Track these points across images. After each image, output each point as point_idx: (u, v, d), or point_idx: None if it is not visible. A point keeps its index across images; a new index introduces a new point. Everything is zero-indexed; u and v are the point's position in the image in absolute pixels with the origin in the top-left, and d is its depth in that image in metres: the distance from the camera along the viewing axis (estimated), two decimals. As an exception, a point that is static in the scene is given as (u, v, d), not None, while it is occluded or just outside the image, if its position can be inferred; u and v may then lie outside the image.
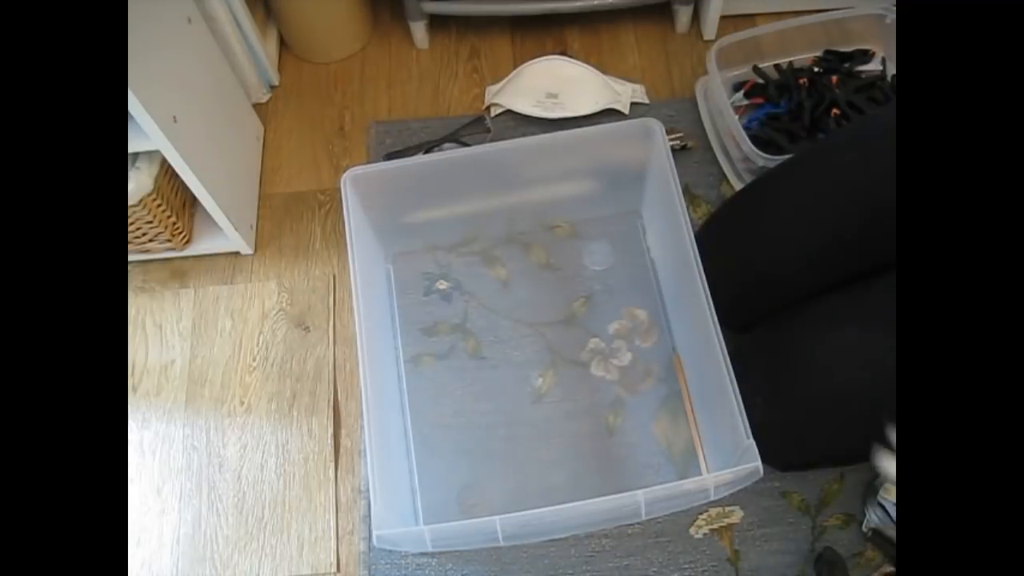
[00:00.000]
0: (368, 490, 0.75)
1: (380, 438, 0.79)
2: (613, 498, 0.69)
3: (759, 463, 0.70)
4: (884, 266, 0.73)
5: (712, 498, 0.72)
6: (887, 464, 0.84)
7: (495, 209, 1.04)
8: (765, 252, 0.85)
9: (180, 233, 1.06)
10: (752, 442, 0.71)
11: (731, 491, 0.75)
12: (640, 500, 0.69)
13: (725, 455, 0.78)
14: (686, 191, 1.12)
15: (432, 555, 0.91)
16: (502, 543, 0.71)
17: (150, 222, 1.00)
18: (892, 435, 0.82)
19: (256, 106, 1.23)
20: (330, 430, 1.00)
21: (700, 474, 0.91)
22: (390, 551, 0.91)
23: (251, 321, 1.08)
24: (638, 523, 0.91)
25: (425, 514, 0.93)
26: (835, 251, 0.80)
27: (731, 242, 0.90)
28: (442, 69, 1.28)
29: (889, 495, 0.86)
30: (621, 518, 0.84)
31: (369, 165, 0.90)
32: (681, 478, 0.91)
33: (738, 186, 1.11)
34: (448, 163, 0.92)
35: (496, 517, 0.69)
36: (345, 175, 0.88)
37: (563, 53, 1.24)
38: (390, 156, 1.16)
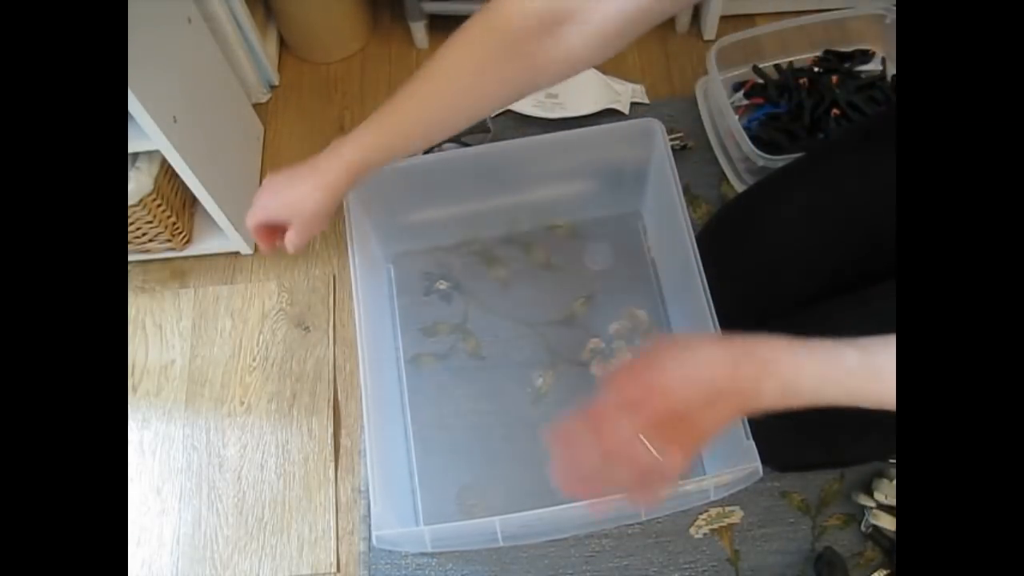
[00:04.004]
0: (368, 490, 0.75)
1: (380, 438, 0.79)
2: (613, 499, 0.69)
3: (759, 463, 0.70)
4: (885, 272, 0.73)
5: (712, 498, 0.72)
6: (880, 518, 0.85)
7: (495, 209, 1.04)
8: (765, 257, 0.85)
9: (180, 233, 1.06)
10: (752, 443, 0.71)
11: (731, 491, 0.75)
12: None
13: (725, 455, 0.78)
14: (686, 191, 1.12)
15: (432, 555, 0.91)
16: (501, 543, 0.71)
17: (150, 222, 1.00)
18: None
19: (256, 106, 1.23)
20: (330, 430, 1.00)
21: (700, 474, 0.91)
22: (390, 551, 0.91)
23: (251, 321, 1.08)
24: (638, 523, 0.91)
25: (425, 514, 0.92)
26: (834, 257, 0.80)
27: (732, 246, 0.90)
28: (442, 69, 1.28)
29: (878, 520, 0.86)
30: (621, 518, 0.84)
31: None
32: (681, 478, 0.91)
33: (738, 186, 1.11)
34: (448, 163, 0.92)
35: (496, 518, 0.69)
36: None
37: (563, 53, 1.23)
38: (390, 156, 1.16)
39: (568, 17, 0.58)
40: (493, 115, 1.20)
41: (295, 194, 0.66)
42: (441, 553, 0.91)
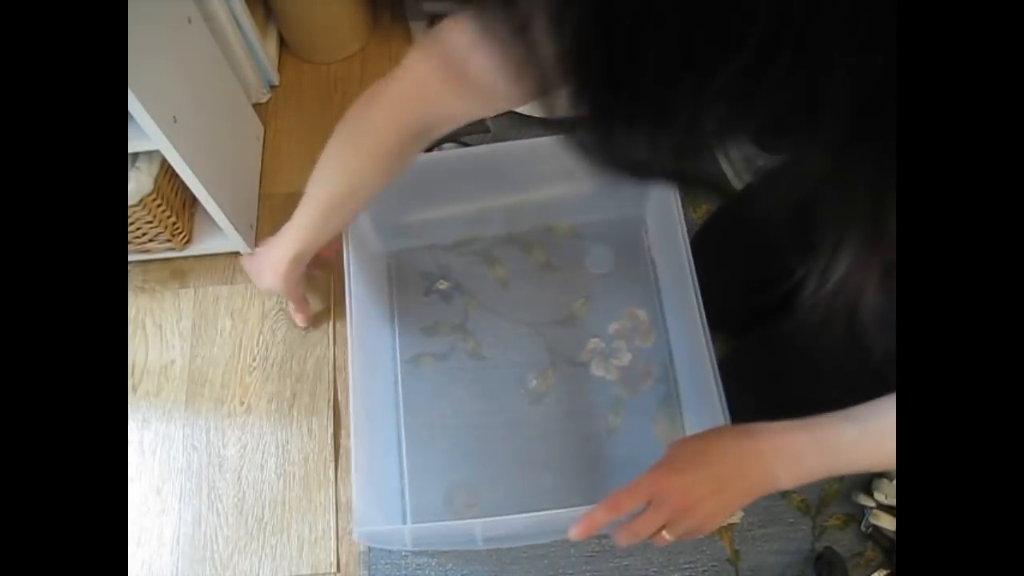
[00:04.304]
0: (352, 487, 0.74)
1: (366, 434, 0.79)
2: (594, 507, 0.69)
3: None
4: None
5: None
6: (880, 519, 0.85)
7: (495, 209, 1.04)
8: (762, 255, 0.85)
9: (180, 233, 1.06)
10: None
11: None
12: None
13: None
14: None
15: (432, 555, 0.91)
16: (482, 546, 0.71)
17: (150, 222, 1.00)
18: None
19: (256, 106, 1.23)
20: (330, 430, 1.00)
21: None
22: (391, 551, 0.91)
23: (251, 321, 1.08)
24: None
25: (413, 513, 0.92)
26: None
27: (728, 245, 0.90)
28: (442, 69, 1.28)
29: (878, 520, 0.86)
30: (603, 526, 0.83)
31: None
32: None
33: (738, 186, 1.11)
34: (448, 163, 0.92)
35: (476, 520, 0.69)
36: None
37: (563, 53, 1.23)
38: (390, 156, 1.16)
39: (439, 124, 0.66)
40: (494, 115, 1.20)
41: (265, 284, 0.82)
42: (441, 553, 0.91)
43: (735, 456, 0.58)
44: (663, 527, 0.59)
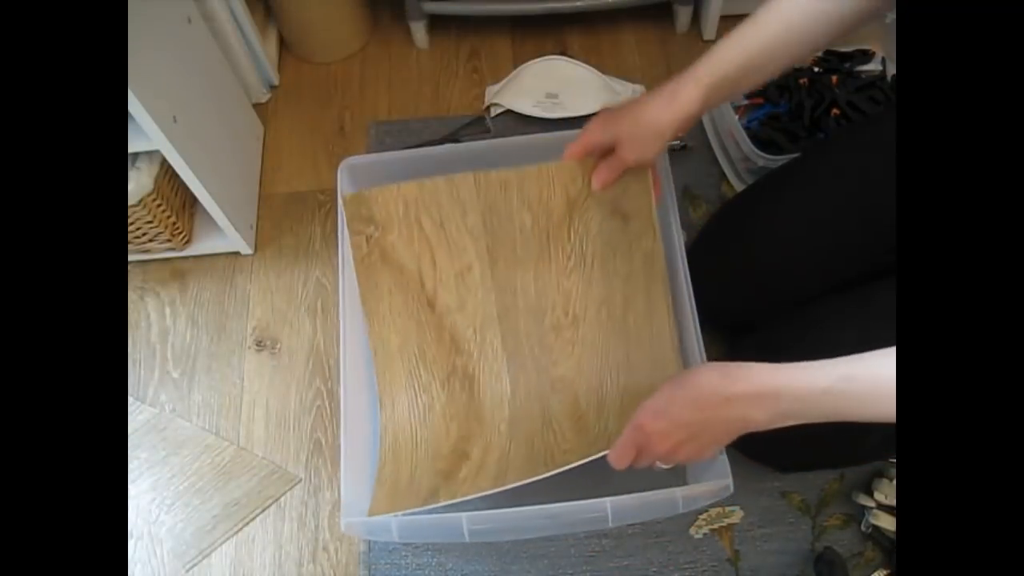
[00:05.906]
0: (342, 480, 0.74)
1: (358, 432, 0.79)
2: (581, 503, 0.69)
3: (729, 480, 0.69)
4: (884, 271, 0.73)
5: (680, 511, 0.72)
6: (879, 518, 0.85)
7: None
8: (765, 257, 0.85)
9: (180, 233, 1.06)
10: (724, 458, 0.70)
11: (702, 505, 0.74)
12: (607, 508, 0.69)
13: (707, 465, 0.77)
14: (686, 191, 1.12)
15: (432, 555, 0.91)
16: (468, 539, 0.71)
17: (150, 222, 1.00)
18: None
19: (256, 106, 1.23)
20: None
21: (683, 481, 0.90)
22: (390, 551, 0.91)
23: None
24: (638, 524, 0.91)
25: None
26: (834, 255, 0.80)
27: (730, 245, 0.90)
28: (442, 69, 1.28)
29: (878, 520, 0.86)
30: (589, 523, 0.82)
31: (367, 155, 0.89)
32: (675, 484, 0.91)
33: (738, 186, 1.11)
34: (447, 156, 0.91)
35: (463, 514, 0.69)
36: (343, 164, 0.87)
37: (563, 53, 1.24)
38: (390, 156, 1.16)
39: None
40: (494, 115, 1.20)
41: (647, 113, 0.71)
42: (441, 553, 0.91)
43: (716, 401, 0.60)
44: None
